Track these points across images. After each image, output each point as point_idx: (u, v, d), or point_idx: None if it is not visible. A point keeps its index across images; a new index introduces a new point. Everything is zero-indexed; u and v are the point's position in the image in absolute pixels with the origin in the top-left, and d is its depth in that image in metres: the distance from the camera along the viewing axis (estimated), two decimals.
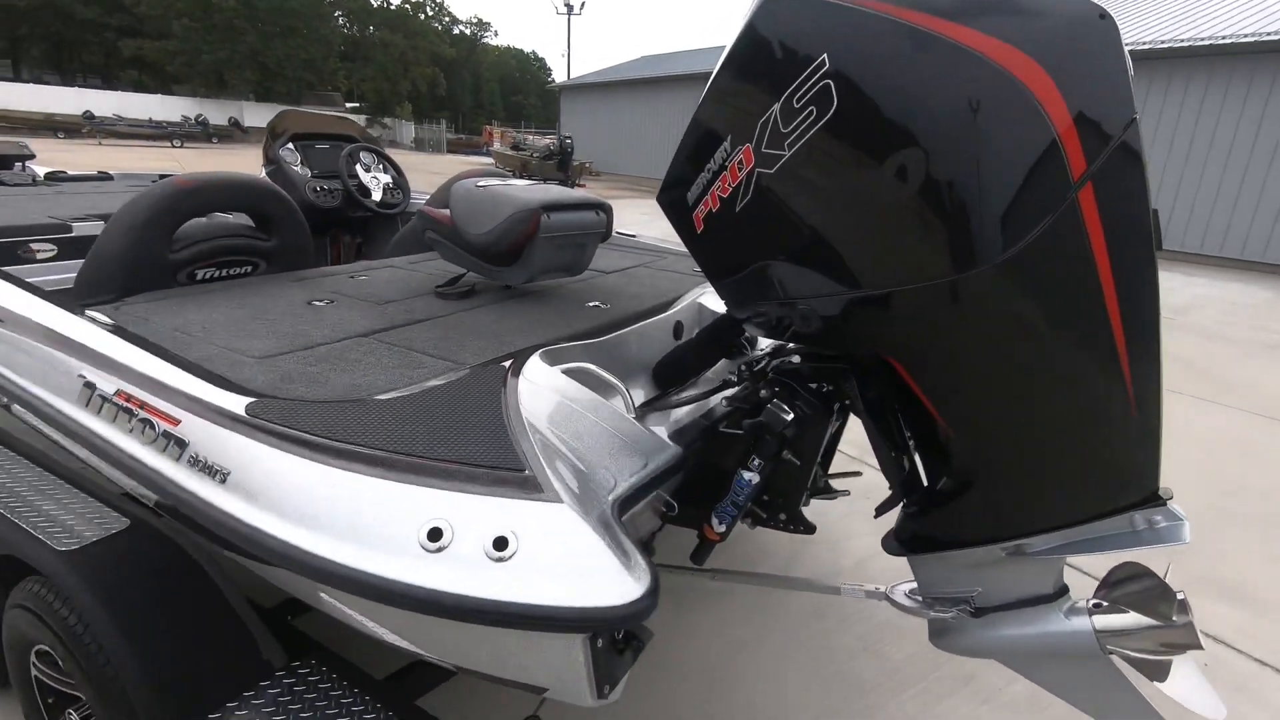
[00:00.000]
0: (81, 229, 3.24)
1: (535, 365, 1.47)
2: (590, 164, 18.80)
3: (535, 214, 1.88)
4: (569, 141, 17.14)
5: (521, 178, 14.14)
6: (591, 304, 2.08)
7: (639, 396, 1.74)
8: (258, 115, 34.43)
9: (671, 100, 22.04)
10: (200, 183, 2.06)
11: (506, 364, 1.47)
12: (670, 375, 1.90)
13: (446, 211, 2.06)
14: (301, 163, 3.64)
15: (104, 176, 5.12)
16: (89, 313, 1.51)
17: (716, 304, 2.24)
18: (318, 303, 1.94)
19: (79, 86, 34.09)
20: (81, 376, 1.34)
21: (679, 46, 27.81)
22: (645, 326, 1.93)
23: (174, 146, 25.81)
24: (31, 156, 4.98)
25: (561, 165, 17.21)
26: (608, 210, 2.12)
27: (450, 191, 2.06)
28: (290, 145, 3.65)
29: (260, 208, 2.23)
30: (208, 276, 2.15)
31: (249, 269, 2.27)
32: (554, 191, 2.04)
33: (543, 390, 1.39)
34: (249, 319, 1.75)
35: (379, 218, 3.76)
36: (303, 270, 2.38)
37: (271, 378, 1.35)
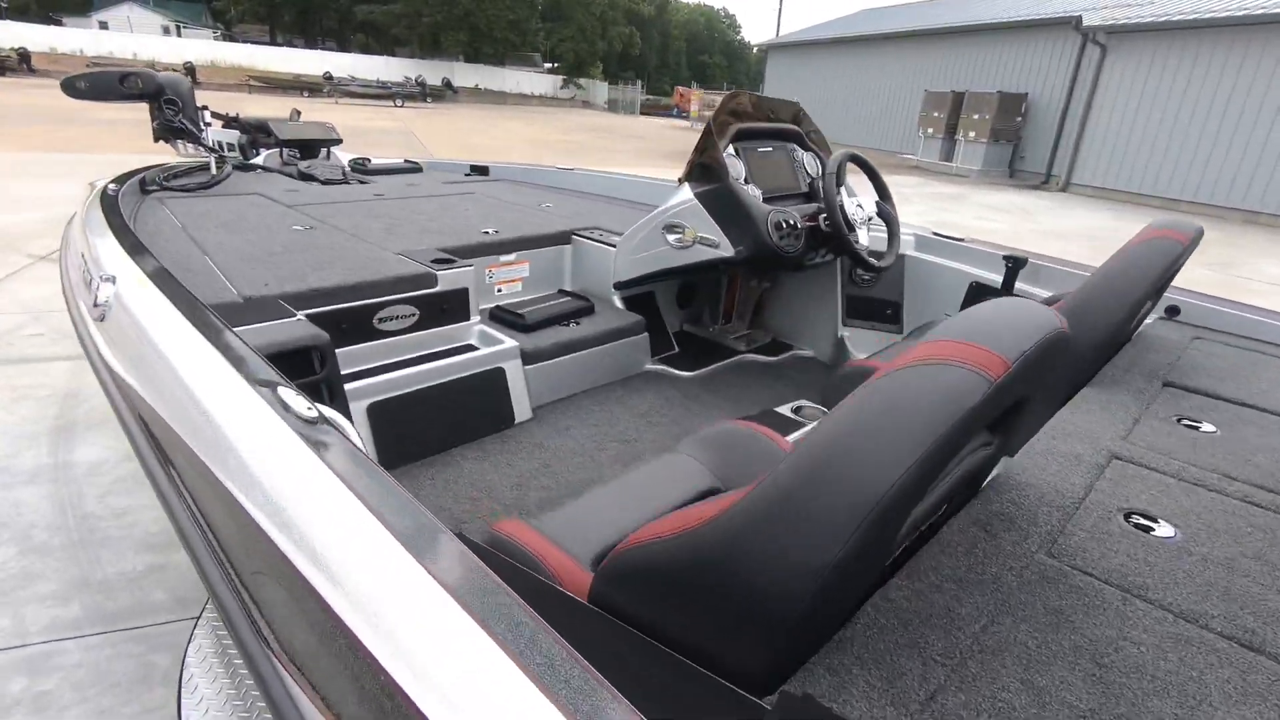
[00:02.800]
0: (448, 279, 2.16)
1: None
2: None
3: None
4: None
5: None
6: None
7: None
8: (466, 76, 35.14)
9: (894, 60, 19.30)
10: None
11: None
12: None
13: None
14: (748, 178, 2.37)
15: (411, 167, 4.26)
16: None
17: None
18: None
19: (320, 49, 36.45)
20: None
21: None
22: None
23: (396, 106, 26.72)
24: (338, 141, 4.19)
25: None
26: None
27: None
28: (731, 148, 2.39)
29: None
30: None
31: None
32: None
33: None
34: None
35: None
36: None
37: None
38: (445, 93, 31.21)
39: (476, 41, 36.16)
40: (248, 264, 2.06)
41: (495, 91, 36.39)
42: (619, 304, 2.77)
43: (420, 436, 2.00)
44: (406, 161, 4.29)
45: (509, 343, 2.21)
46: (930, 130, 17.12)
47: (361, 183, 3.69)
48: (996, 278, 2.41)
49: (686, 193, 2.40)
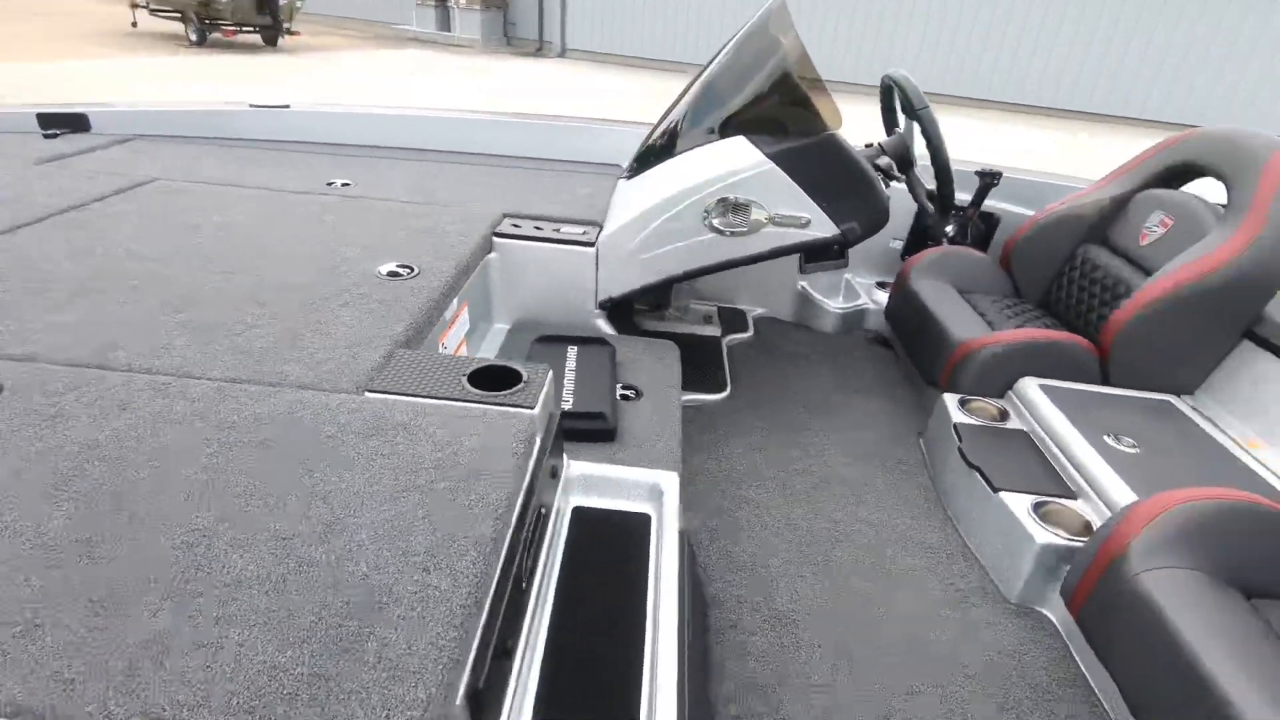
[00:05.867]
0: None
1: None
2: (301, 3, 13.61)
3: None
4: None
5: (201, 30, 10.41)
6: None
7: None
8: None
9: None
10: None
11: None
12: None
13: None
14: None
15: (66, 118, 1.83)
16: None
17: None
18: None
19: None
20: None
21: None
22: None
23: None
24: None
25: (264, 6, 12.23)
26: None
27: None
28: None
29: None
30: None
31: None
32: None
33: None
34: None
35: None
36: None
37: None
38: None
39: None
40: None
41: None
42: (606, 327, 1.81)
43: None
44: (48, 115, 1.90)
45: (669, 483, 1.22)
46: None
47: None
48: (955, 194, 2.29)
49: (748, 153, 1.57)
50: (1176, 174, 1.95)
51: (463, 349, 1.56)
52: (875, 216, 1.66)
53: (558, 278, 1.76)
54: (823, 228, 1.66)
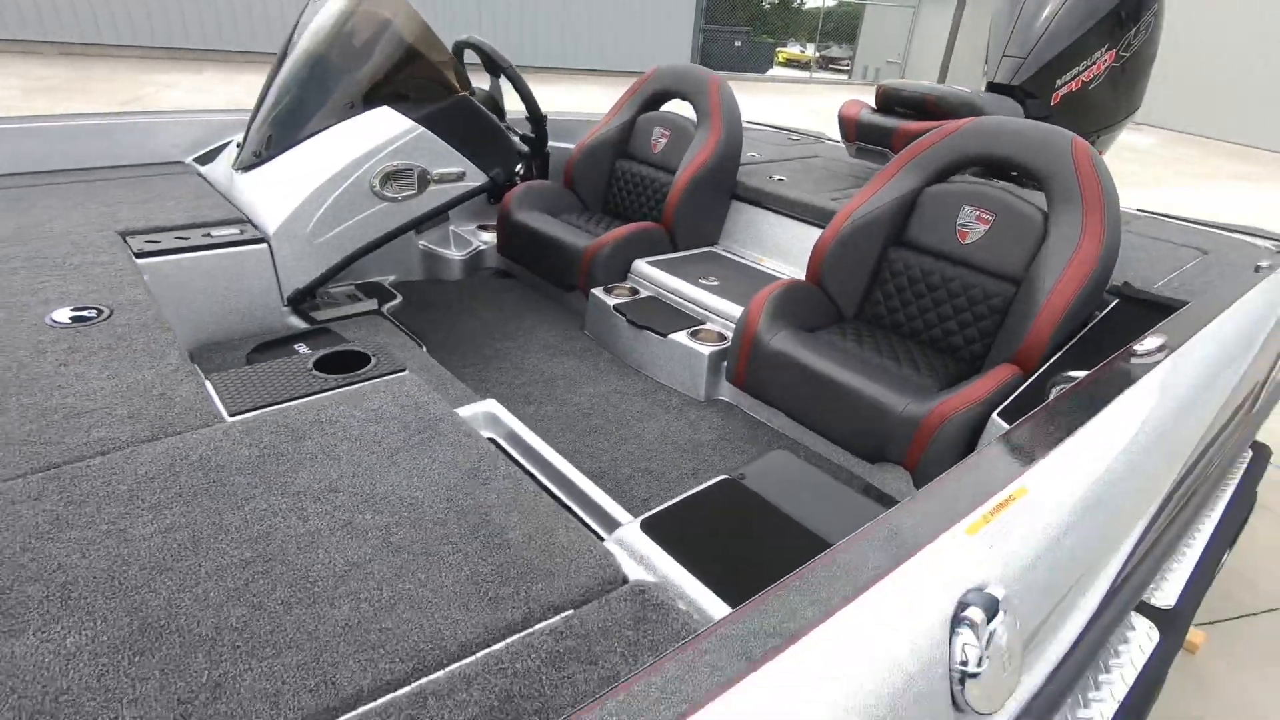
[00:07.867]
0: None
1: None
2: None
3: None
4: None
5: None
6: None
7: None
8: None
9: None
10: None
11: None
12: None
13: None
14: None
15: None
16: None
17: None
18: None
19: None
20: None
21: None
22: None
23: None
24: None
25: None
26: None
27: None
28: None
29: None
30: None
31: None
32: None
33: None
34: None
35: None
36: None
37: None
38: None
39: None
40: None
41: None
42: (301, 323, 1.72)
43: None
44: None
45: (493, 406, 1.39)
46: None
47: None
48: None
49: (397, 121, 1.66)
50: (658, 98, 2.77)
51: None
52: (510, 161, 1.97)
53: (233, 285, 1.58)
54: (476, 177, 1.90)
